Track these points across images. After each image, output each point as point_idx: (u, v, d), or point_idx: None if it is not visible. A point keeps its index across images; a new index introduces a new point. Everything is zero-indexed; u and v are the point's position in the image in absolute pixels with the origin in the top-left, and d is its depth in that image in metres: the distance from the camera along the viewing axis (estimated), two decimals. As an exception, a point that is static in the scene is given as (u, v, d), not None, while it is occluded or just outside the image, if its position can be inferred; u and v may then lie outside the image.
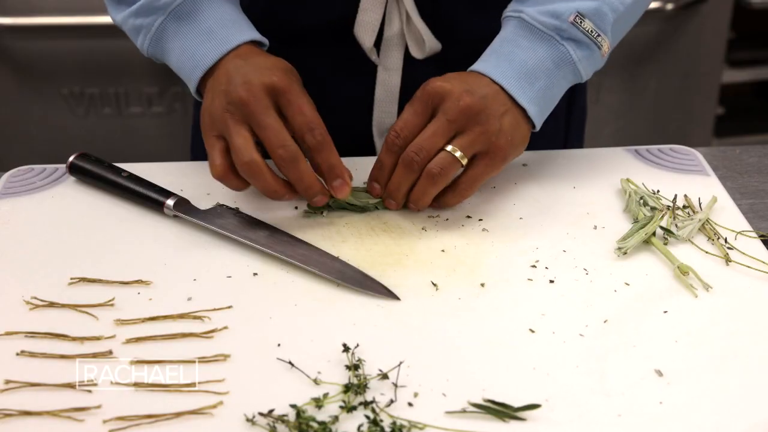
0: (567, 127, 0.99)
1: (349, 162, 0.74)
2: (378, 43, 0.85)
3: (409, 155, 0.72)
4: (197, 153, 1.02)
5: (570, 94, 0.79)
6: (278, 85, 0.70)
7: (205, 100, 0.74)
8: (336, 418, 0.54)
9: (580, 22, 0.74)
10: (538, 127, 0.77)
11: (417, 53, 0.85)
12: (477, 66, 0.75)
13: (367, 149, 0.90)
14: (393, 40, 0.85)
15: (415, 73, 0.86)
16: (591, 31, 0.74)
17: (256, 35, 0.76)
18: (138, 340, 0.61)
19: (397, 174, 0.73)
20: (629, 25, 0.80)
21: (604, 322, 0.63)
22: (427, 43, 0.84)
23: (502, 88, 0.73)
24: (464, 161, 0.72)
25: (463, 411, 0.55)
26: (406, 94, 0.88)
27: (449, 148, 0.71)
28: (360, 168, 0.79)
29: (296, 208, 0.77)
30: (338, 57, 0.88)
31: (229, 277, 0.68)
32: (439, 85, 0.72)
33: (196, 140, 1.02)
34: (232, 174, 0.72)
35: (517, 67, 0.74)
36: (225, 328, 0.63)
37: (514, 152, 0.75)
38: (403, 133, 0.72)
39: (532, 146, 0.79)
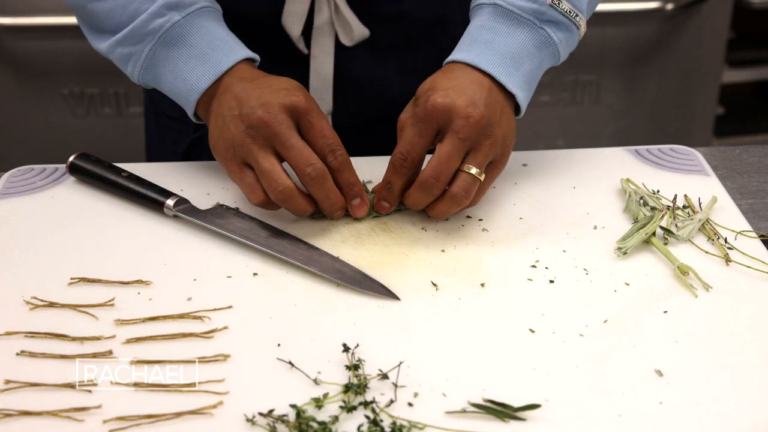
0: None
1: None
2: (310, 32, 0.86)
3: (429, 181, 0.70)
4: (152, 158, 1.03)
5: None
6: (299, 105, 0.70)
7: (215, 127, 0.73)
8: (336, 418, 0.54)
9: (558, 4, 0.74)
10: (523, 112, 0.76)
11: (346, 41, 0.87)
12: (459, 56, 0.74)
13: None
14: (323, 29, 0.86)
15: (346, 58, 0.88)
16: (569, 11, 0.74)
17: (248, 53, 0.76)
18: (138, 340, 0.61)
19: (415, 196, 0.72)
20: (597, 3, 0.81)
21: (604, 322, 0.63)
22: (355, 30, 0.85)
23: (491, 77, 0.73)
24: (482, 177, 0.71)
25: (463, 411, 0.55)
26: (339, 81, 0.89)
27: (466, 167, 0.70)
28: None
29: (306, 215, 0.77)
30: (271, 45, 0.88)
31: (229, 277, 0.68)
32: (441, 102, 0.70)
33: (151, 144, 1.04)
34: (270, 201, 0.72)
35: (501, 54, 0.73)
36: (225, 328, 0.63)
37: (511, 150, 0.75)
38: (410, 156, 0.72)
39: None
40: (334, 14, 0.85)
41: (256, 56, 0.78)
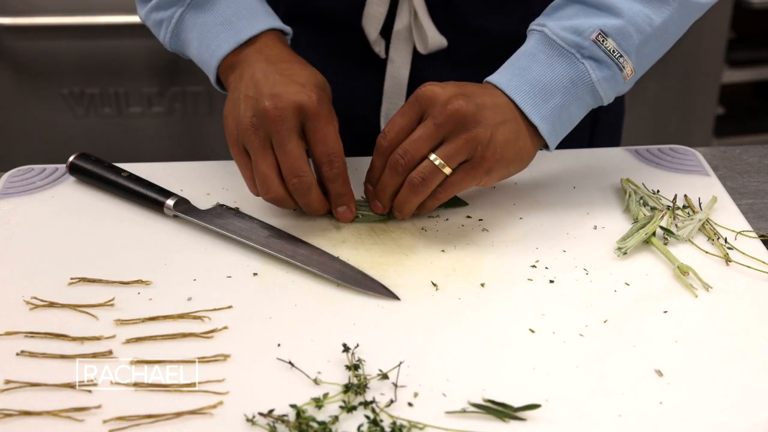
0: (592, 131, 0.97)
1: (354, 162, 0.74)
2: (390, 36, 0.86)
3: (395, 158, 0.70)
4: None
5: None
6: (308, 106, 0.68)
7: (230, 98, 0.73)
8: (336, 418, 0.54)
9: (603, 41, 0.71)
10: (552, 148, 0.74)
11: (421, 48, 0.86)
12: (492, 78, 0.73)
13: (375, 138, 0.91)
14: (402, 34, 0.86)
15: (423, 66, 0.87)
16: (613, 51, 0.71)
17: (275, 24, 0.76)
18: (138, 340, 0.61)
19: (384, 176, 0.72)
20: (660, 50, 0.76)
21: (604, 322, 0.63)
22: (430, 39, 0.84)
23: (514, 103, 0.71)
24: (446, 170, 0.69)
25: (463, 411, 0.55)
26: (414, 86, 0.87)
27: (432, 157, 0.69)
28: (364, 168, 0.78)
29: (295, 209, 0.77)
30: (350, 46, 0.88)
31: (229, 277, 0.68)
32: (430, 89, 0.69)
33: None
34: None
35: (532, 82, 0.71)
36: (225, 328, 0.63)
37: (503, 168, 0.72)
38: (389, 135, 0.71)
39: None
40: (413, 21, 0.84)
41: (287, 28, 0.77)
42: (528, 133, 0.72)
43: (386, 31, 0.86)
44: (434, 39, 0.85)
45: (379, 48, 0.87)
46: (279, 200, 0.71)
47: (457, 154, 0.69)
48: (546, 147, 0.75)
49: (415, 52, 0.87)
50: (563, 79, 0.72)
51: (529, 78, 0.72)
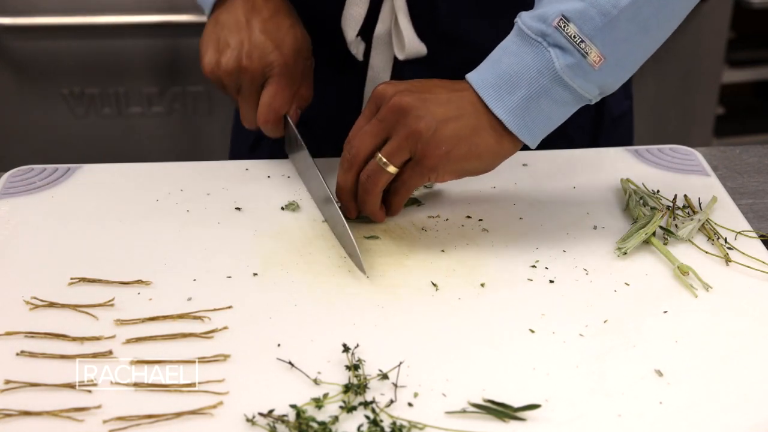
0: (594, 135, 0.95)
1: (334, 163, 0.75)
2: (371, 42, 0.86)
3: (344, 153, 0.71)
4: (235, 153, 1.03)
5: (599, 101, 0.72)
6: (275, 67, 0.77)
7: (211, 30, 0.79)
8: (336, 418, 0.54)
9: (564, 27, 0.66)
10: (531, 144, 0.70)
11: (399, 54, 0.85)
12: (468, 73, 0.71)
13: None
14: (383, 39, 0.85)
15: (404, 72, 0.86)
16: (574, 36, 0.65)
17: None
18: (138, 340, 0.61)
19: (339, 174, 0.73)
20: (641, 35, 0.68)
21: (604, 322, 0.63)
22: (407, 44, 0.83)
23: (479, 98, 0.69)
24: (390, 169, 0.69)
25: (463, 411, 0.55)
26: None
27: (378, 156, 0.69)
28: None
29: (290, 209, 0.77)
30: (331, 50, 0.88)
31: (229, 277, 0.68)
32: (382, 87, 0.70)
33: (236, 140, 1.03)
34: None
35: (500, 74, 0.68)
36: (225, 328, 0.63)
37: (453, 164, 0.69)
38: (348, 137, 0.72)
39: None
40: (393, 25, 0.84)
41: None
42: (493, 129, 0.69)
43: (368, 35, 0.85)
44: (412, 45, 0.83)
45: (356, 50, 0.86)
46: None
47: (399, 152, 0.69)
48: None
49: (395, 58, 0.86)
50: (531, 69, 0.67)
51: (498, 70, 0.69)
